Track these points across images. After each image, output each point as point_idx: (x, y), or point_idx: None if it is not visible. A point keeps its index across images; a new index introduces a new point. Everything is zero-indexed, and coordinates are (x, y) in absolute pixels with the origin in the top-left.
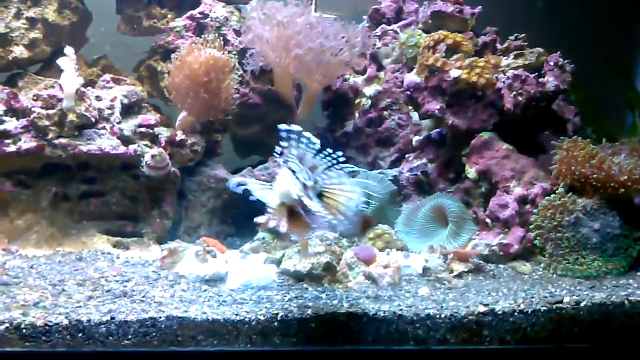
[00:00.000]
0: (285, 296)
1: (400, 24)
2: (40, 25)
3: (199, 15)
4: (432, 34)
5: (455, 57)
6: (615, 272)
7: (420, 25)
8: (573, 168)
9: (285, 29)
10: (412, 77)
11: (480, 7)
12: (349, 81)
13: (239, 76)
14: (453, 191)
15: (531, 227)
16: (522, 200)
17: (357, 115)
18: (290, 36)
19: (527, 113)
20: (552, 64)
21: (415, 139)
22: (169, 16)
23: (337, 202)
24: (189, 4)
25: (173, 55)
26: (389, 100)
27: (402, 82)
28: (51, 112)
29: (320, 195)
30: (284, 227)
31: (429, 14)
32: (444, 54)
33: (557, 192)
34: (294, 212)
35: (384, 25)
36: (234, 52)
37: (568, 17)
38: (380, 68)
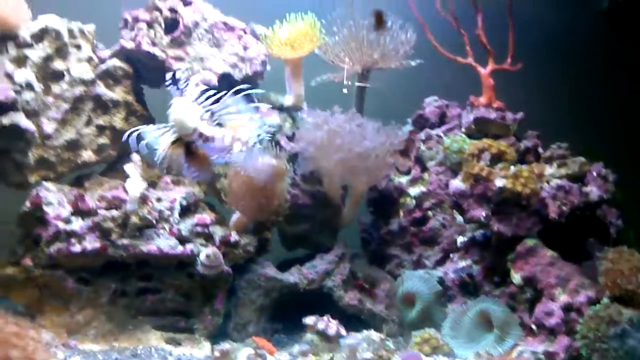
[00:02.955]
0: None
1: (443, 127)
2: (108, 131)
3: None
4: (476, 142)
5: (499, 165)
6: None
7: (463, 130)
8: (618, 281)
9: (333, 135)
10: (457, 184)
11: (521, 112)
12: (393, 181)
13: (291, 178)
14: (498, 295)
15: (577, 336)
16: (568, 308)
17: (401, 213)
18: (337, 142)
19: (570, 221)
20: (594, 173)
21: (460, 240)
22: None
23: (238, 133)
24: None
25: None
26: (433, 200)
27: (446, 184)
28: (115, 214)
29: (219, 126)
30: (331, 329)
31: (472, 119)
32: (488, 162)
33: (602, 302)
34: (191, 148)
35: (427, 129)
36: (286, 157)
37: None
38: (424, 169)
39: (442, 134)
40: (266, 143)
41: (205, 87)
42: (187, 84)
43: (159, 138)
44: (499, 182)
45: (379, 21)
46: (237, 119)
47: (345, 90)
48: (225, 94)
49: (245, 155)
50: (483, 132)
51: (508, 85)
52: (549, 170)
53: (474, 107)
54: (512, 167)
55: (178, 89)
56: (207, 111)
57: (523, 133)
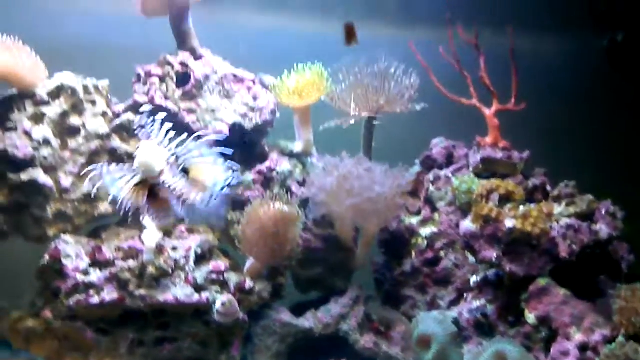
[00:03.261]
0: None
1: (451, 168)
2: None
3: (266, 170)
4: (485, 183)
5: (508, 205)
6: None
7: (471, 170)
8: (633, 319)
9: (343, 181)
10: (468, 225)
11: (528, 151)
12: (404, 222)
13: (303, 223)
14: (513, 335)
15: None
16: (584, 347)
17: (413, 254)
18: (347, 188)
19: (581, 259)
20: (603, 211)
21: (473, 279)
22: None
23: (203, 178)
24: (257, 157)
25: (245, 210)
26: (444, 241)
27: (457, 225)
28: (132, 264)
29: (184, 171)
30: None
31: (479, 159)
32: (497, 203)
33: (617, 341)
34: (155, 191)
35: (435, 170)
36: (298, 202)
37: None
38: (435, 209)
39: (450, 175)
40: (230, 189)
41: (168, 131)
42: (153, 128)
43: (118, 180)
44: (509, 223)
45: (350, 34)
46: (201, 163)
47: (352, 122)
48: (187, 138)
49: (206, 202)
50: (490, 171)
51: (513, 124)
52: (557, 209)
53: (480, 147)
54: (521, 207)
55: (145, 132)
56: (172, 155)
57: (530, 171)
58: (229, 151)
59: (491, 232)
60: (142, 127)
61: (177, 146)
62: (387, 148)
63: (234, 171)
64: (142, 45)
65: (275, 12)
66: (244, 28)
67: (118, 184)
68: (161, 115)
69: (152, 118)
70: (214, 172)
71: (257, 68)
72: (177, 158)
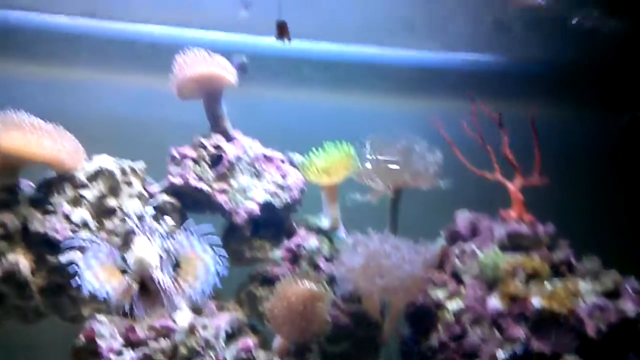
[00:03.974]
0: None
1: (476, 241)
2: None
3: (294, 247)
4: (510, 259)
5: (535, 283)
6: None
7: (496, 243)
8: None
9: (371, 260)
10: (495, 303)
11: (552, 225)
12: (431, 296)
13: (331, 300)
14: None
15: None
16: None
17: (440, 328)
18: (375, 267)
19: (608, 336)
20: (629, 289)
21: (500, 355)
22: (267, 246)
23: (193, 273)
24: (285, 234)
25: (274, 289)
26: (471, 315)
27: (483, 299)
28: (164, 344)
29: (176, 265)
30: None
31: (504, 233)
32: (523, 280)
33: None
34: (146, 285)
35: (460, 243)
36: (325, 279)
37: None
38: (460, 282)
39: (475, 248)
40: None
41: (165, 227)
42: (147, 223)
43: (98, 266)
44: (536, 302)
45: (281, 31)
46: (191, 256)
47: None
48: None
49: (195, 295)
50: (516, 245)
51: (536, 197)
52: (583, 286)
53: (505, 221)
54: (547, 285)
55: (139, 227)
56: (164, 250)
57: (554, 242)
58: (217, 240)
59: (518, 310)
60: (137, 221)
61: (170, 241)
62: (411, 220)
63: (221, 263)
64: (175, 119)
65: (301, 89)
66: (272, 104)
67: (98, 273)
68: (150, 209)
69: (147, 213)
70: (204, 264)
71: (284, 144)
72: (169, 253)
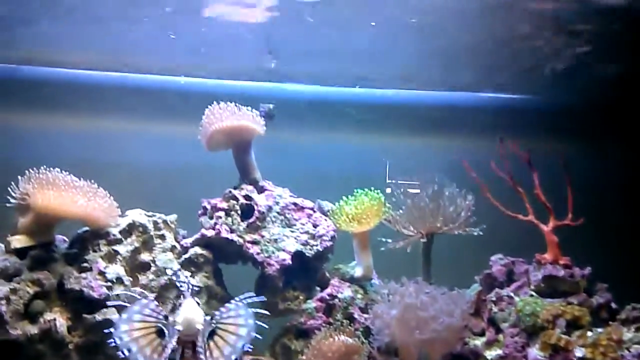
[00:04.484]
0: None
1: (512, 286)
2: None
3: (328, 297)
4: (550, 307)
5: (576, 333)
6: None
7: (532, 287)
8: None
9: (408, 312)
10: (537, 353)
11: (589, 267)
12: (468, 344)
13: (367, 351)
14: None
15: None
16: None
17: None
18: (412, 318)
19: None
20: None
21: None
22: (300, 297)
23: (225, 342)
24: (318, 284)
25: (309, 343)
26: None
27: (522, 347)
28: None
29: (213, 332)
30: None
31: (540, 277)
32: (564, 329)
33: None
34: (188, 348)
35: (497, 289)
36: (361, 330)
37: None
38: (499, 330)
39: (512, 295)
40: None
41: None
42: (190, 286)
43: (137, 323)
44: (579, 353)
45: (269, 117)
46: (230, 325)
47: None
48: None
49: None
50: (552, 289)
51: (570, 239)
52: (626, 334)
53: (540, 265)
54: (589, 334)
55: (183, 290)
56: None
57: (591, 285)
58: (265, 313)
59: None
60: (183, 283)
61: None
62: (444, 265)
63: (251, 335)
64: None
65: (330, 133)
66: (299, 149)
67: (134, 333)
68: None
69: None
70: (240, 334)
71: (314, 189)
72: (212, 318)
